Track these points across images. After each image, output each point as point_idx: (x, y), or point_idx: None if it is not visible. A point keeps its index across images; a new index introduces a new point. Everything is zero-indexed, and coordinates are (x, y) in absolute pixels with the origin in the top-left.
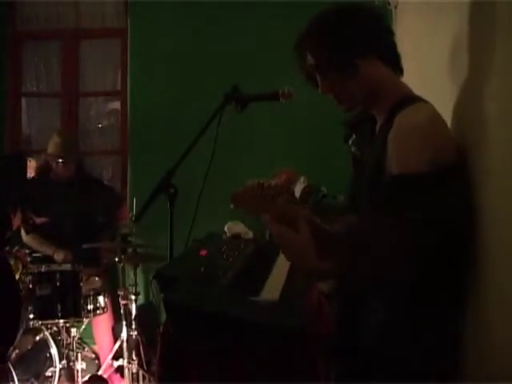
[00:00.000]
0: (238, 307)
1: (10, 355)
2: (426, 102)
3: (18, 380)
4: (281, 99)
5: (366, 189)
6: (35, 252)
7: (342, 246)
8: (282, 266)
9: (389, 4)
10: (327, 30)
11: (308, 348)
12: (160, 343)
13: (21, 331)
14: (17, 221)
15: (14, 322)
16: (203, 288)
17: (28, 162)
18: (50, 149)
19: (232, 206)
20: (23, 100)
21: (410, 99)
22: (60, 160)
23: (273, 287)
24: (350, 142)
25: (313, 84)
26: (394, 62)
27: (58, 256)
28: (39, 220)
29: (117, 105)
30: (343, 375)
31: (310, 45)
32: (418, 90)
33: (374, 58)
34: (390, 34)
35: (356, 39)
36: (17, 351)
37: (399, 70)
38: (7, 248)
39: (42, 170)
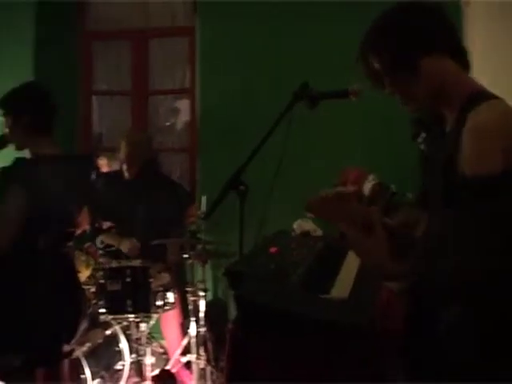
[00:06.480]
0: (307, 305)
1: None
2: (499, 98)
3: (90, 372)
4: (350, 97)
5: (437, 189)
6: (107, 247)
7: (418, 249)
8: (351, 264)
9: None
10: (388, 32)
11: (376, 346)
12: (228, 340)
13: (83, 327)
14: (84, 221)
15: (74, 320)
16: (273, 285)
17: (99, 161)
18: (119, 151)
19: (308, 214)
20: (94, 98)
21: (481, 96)
22: (124, 165)
23: (342, 285)
24: (420, 140)
25: (379, 87)
26: (460, 57)
27: (124, 246)
28: (106, 225)
29: (186, 103)
30: (411, 375)
31: (373, 49)
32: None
33: (439, 55)
34: (454, 28)
35: (419, 38)
36: (88, 345)
37: (467, 66)
38: (71, 243)
39: (116, 170)
